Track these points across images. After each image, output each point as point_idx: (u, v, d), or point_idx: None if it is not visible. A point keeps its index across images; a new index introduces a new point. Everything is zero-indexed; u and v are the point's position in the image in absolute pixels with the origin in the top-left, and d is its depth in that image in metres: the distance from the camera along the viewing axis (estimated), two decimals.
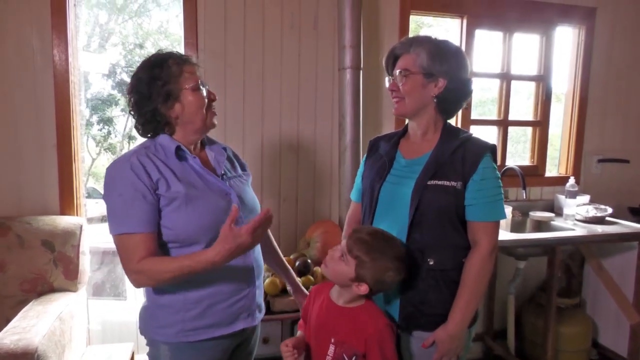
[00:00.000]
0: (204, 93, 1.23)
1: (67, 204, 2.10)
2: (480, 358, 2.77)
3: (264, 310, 1.37)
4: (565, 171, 2.88)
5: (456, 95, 1.28)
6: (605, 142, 2.89)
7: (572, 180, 2.55)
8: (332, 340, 1.18)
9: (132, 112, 1.24)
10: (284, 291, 1.82)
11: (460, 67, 1.27)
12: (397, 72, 1.28)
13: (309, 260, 1.97)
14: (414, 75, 1.25)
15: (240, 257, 1.20)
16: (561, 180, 2.78)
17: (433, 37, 1.30)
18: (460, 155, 1.24)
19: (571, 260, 2.79)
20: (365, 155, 1.47)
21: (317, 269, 1.97)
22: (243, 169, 1.41)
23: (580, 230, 2.34)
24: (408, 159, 1.32)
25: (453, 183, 1.21)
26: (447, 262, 1.24)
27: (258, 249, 1.34)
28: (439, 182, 1.22)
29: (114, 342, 2.23)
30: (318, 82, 2.32)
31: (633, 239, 2.38)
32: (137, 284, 1.16)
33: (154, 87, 1.18)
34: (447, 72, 1.25)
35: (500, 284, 2.73)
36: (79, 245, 1.95)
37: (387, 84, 1.33)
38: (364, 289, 1.15)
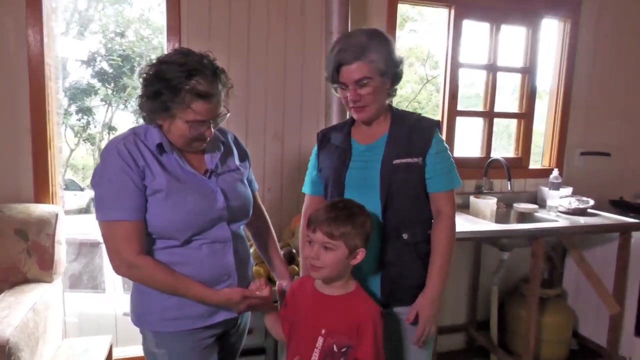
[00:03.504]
0: (200, 129, 1.12)
1: (42, 192, 2.02)
2: (464, 349, 2.79)
3: (248, 313, 1.34)
4: (549, 164, 2.90)
5: (399, 78, 1.35)
6: (588, 135, 2.92)
7: (555, 172, 2.57)
8: (322, 332, 1.14)
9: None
10: (269, 280, 1.78)
11: (395, 51, 1.31)
12: (350, 82, 1.27)
13: (294, 250, 1.93)
14: (373, 81, 1.27)
15: (219, 248, 1.19)
16: (544, 173, 2.80)
17: (366, 31, 1.31)
18: (414, 134, 1.33)
19: (553, 251, 2.82)
20: (315, 147, 1.48)
21: None
22: (242, 158, 1.35)
23: (563, 222, 2.36)
24: (365, 144, 1.36)
25: (415, 159, 1.30)
26: (419, 235, 1.33)
27: (242, 239, 1.30)
28: (404, 160, 1.30)
29: (91, 335, 2.16)
30: (304, 70, 2.27)
31: (614, 231, 2.41)
32: (122, 274, 1.15)
33: (159, 95, 1.09)
34: (393, 63, 1.30)
35: (484, 275, 2.74)
36: (54, 235, 1.87)
37: (338, 93, 1.34)
38: (360, 255, 1.16)
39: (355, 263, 1.17)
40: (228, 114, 1.19)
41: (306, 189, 1.51)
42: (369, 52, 1.25)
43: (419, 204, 1.33)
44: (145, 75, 1.12)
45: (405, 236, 1.30)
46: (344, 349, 1.14)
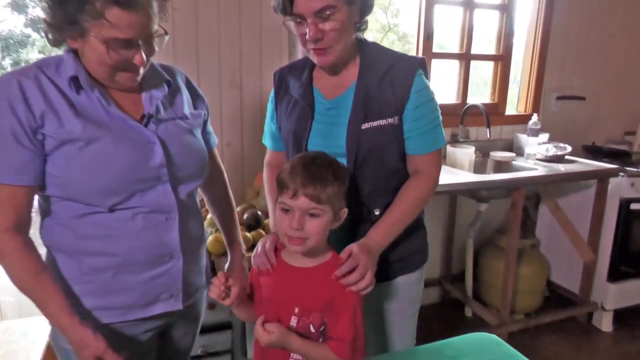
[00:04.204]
0: (124, 52, 0.83)
1: None
2: (438, 302, 2.73)
3: (201, 291, 1.11)
4: (525, 109, 2.76)
5: (370, 6, 1.06)
6: (564, 79, 2.79)
7: (535, 118, 2.44)
8: (295, 311, 0.96)
9: None
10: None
11: None
12: (308, 13, 0.96)
13: (259, 212, 1.72)
14: (339, 12, 0.97)
15: (160, 221, 0.94)
16: (521, 119, 2.68)
17: None
18: (388, 83, 1.05)
19: (527, 200, 2.75)
20: (272, 92, 1.21)
21: (269, 220, 1.73)
22: (197, 105, 1.07)
23: (543, 170, 2.25)
24: (330, 99, 1.10)
25: (390, 120, 1.05)
26: None
27: (194, 211, 1.04)
28: (374, 124, 1.05)
29: (33, 315, 1.91)
30: (263, 5, 1.96)
31: (593, 177, 2.34)
32: None
33: (63, 4, 0.80)
34: None
35: (459, 227, 2.64)
36: None
37: (293, 30, 1.02)
38: (344, 215, 0.99)
39: (337, 225, 0.98)
40: (167, 37, 0.90)
41: (267, 141, 1.27)
42: None
43: (394, 172, 1.10)
44: None
45: (377, 212, 1.08)
46: (322, 328, 0.97)
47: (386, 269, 1.12)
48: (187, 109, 1.03)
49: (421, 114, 1.06)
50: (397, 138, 1.07)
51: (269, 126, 1.24)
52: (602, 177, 2.32)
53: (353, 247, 0.97)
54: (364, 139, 1.04)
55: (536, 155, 2.44)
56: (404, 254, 1.15)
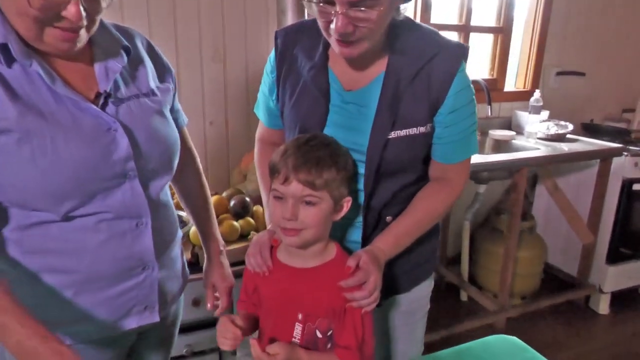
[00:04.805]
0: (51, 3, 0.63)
1: None
2: (432, 287, 2.64)
3: (178, 295, 0.96)
4: (524, 85, 2.64)
5: None
6: (564, 54, 2.66)
7: (537, 94, 2.32)
8: (299, 317, 0.84)
9: None
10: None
11: None
12: (344, 3, 0.75)
13: (248, 198, 1.56)
14: (382, 4, 0.77)
15: (129, 228, 0.77)
16: (520, 96, 2.56)
17: None
18: (424, 80, 0.86)
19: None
20: (272, 58, 0.98)
21: (259, 207, 1.58)
22: (162, 77, 0.88)
23: (546, 150, 2.14)
24: (350, 90, 0.91)
25: (422, 129, 0.88)
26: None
27: (167, 209, 0.88)
28: (403, 133, 0.88)
29: None
30: None
31: (597, 157, 2.25)
32: None
33: None
34: None
35: (455, 209, 2.53)
36: None
37: (315, 13, 0.81)
38: (346, 206, 0.87)
39: (339, 217, 0.86)
40: None
41: (260, 114, 1.06)
42: None
43: (417, 180, 0.96)
44: None
45: (388, 219, 0.95)
46: (329, 332, 0.86)
47: (394, 283, 1.00)
48: (153, 82, 0.83)
49: (456, 120, 0.90)
50: (427, 146, 0.93)
51: (265, 99, 1.03)
52: (606, 157, 2.23)
53: (362, 255, 0.85)
54: (390, 151, 0.88)
55: (537, 133, 2.33)
56: (416, 263, 1.02)
